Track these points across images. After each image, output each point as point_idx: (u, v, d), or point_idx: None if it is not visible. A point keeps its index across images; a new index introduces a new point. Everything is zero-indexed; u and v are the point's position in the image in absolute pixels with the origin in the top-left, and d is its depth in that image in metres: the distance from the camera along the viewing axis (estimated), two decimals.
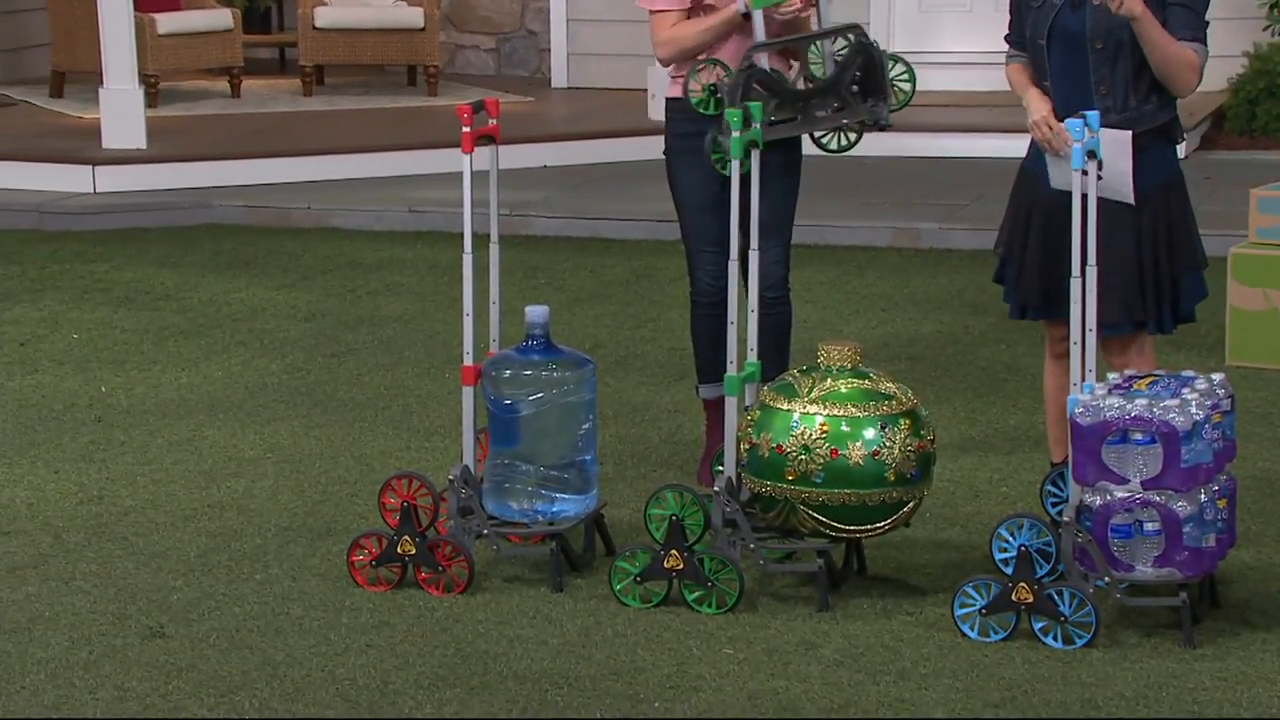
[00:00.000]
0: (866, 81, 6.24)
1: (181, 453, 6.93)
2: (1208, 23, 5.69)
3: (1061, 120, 5.62)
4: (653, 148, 12.38)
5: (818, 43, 6.28)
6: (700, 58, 6.21)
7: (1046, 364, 6.02)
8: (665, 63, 6.43)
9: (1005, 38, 5.94)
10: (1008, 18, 5.90)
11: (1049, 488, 5.86)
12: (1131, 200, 5.61)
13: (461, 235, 5.75)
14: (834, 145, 6.43)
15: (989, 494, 6.41)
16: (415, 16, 14.00)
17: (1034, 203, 5.84)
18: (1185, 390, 5.25)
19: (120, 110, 11.82)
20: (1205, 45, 5.67)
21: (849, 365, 5.51)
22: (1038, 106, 5.73)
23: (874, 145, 12.37)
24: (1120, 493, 5.19)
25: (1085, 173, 5.32)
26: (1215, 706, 4.85)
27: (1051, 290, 5.80)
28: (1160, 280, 5.72)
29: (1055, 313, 5.82)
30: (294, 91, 14.30)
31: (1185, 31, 5.62)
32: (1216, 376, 5.40)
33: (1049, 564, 5.36)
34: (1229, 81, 12.88)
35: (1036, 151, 5.83)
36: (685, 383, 7.78)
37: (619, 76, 14.14)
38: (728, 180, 5.81)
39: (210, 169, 11.72)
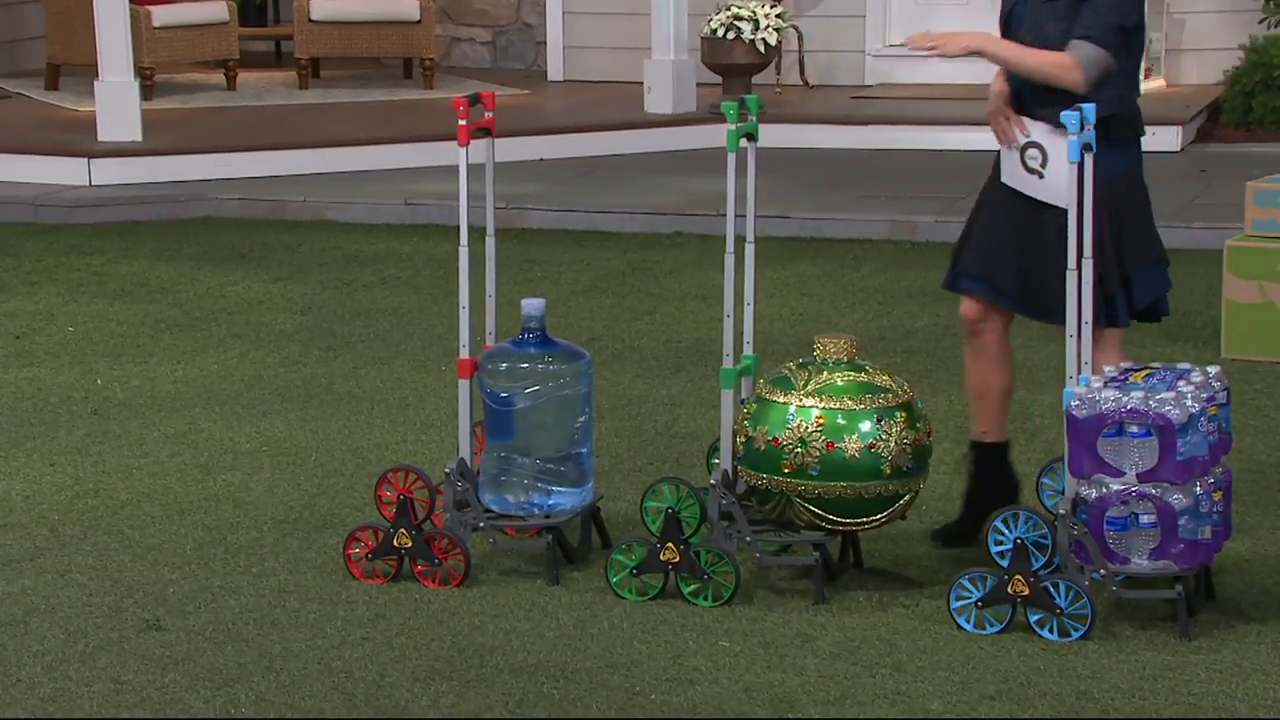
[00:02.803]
0: None
1: (177, 446, 6.93)
2: (1118, 26, 5.61)
3: (1015, 111, 5.71)
4: (649, 141, 12.56)
5: None
6: None
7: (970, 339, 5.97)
8: None
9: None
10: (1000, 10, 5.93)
11: (1045, 480, 5.86)
12: (1064, 202, 5.63)
13: (457, 228, 5.75)
14: None
15: None
16: (411, 9, 13.99)
17: (990, 181, 5.89)
18: (1181, 383, 5.25)
19: (116, 103, 11.82)
20: (1098, 45, 5.58)
21: (845, 358, 5.51)
22: (993, 96, 5.80)
23: (871, 138, 12.48)
24: (1116, 485, 5.20)
25: (1081, 165, 5.32)
26: (1211, 698, 4.86)
27: (992, 268, 5.81)
28: (1108, 275, 5.69)
29: (979, 289, 5.82)
30: (290, 84, 14.29)
31: (1081, 29, 5.61)
32: (1212, 369, 5.40)
33: (1045, 557, 5.36)
34: (1225, 74, 12.89)
35: None
36: (681, 375, 7.78)
37: (615, 70, 14.14)
38: None
39: (206, 162, 11.72)
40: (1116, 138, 5.65)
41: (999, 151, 5.88)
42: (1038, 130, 5.68)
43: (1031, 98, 5.69)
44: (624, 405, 7.36)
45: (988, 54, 5.69)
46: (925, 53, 5.72)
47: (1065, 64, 5.59)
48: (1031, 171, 5.71)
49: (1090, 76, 5.58)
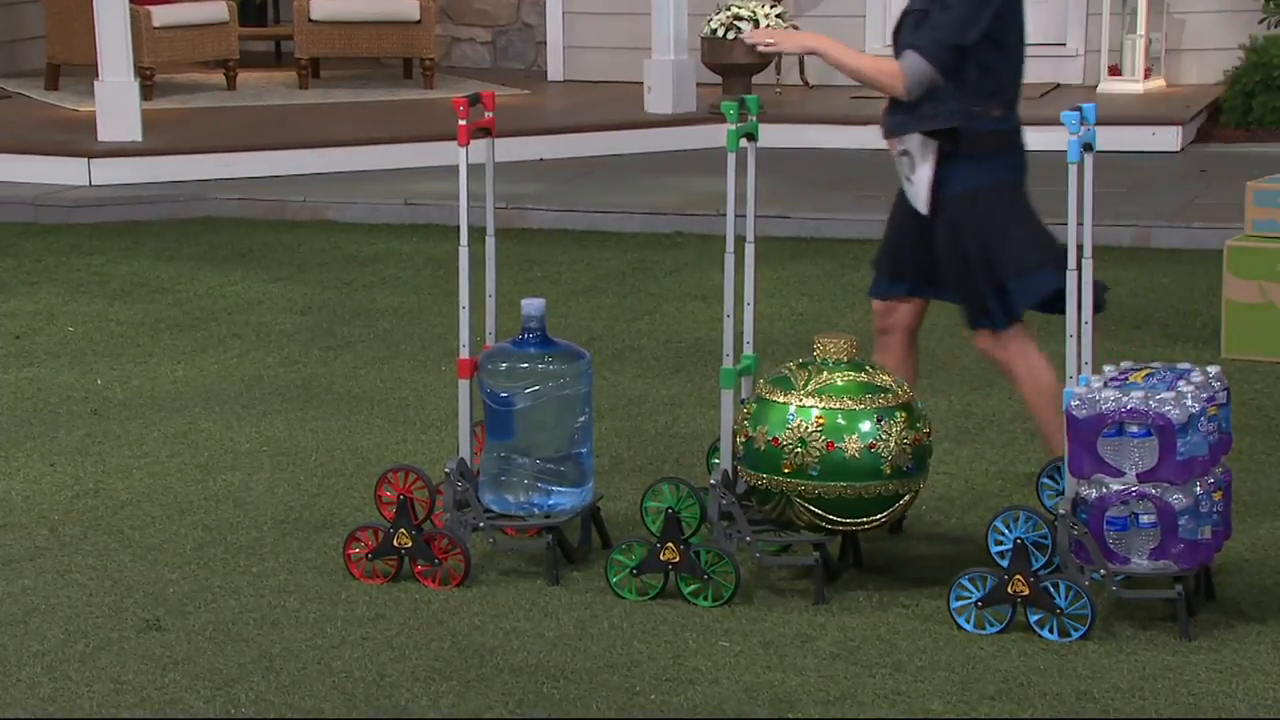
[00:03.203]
0: None
1: (177, 446, 6.93)
2: (952, 44, 5.72)
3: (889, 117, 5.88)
4: (649, 141, 12.56)
5: None
6: None
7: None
8: None
9: None
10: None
11: (1045, 480, 5.87)
12: (923, 209, 5.83)
13: (458, 228, 5.75)
14: None
15: (985, 486, 6.41)
16: (411, 9, 13.99)
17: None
18: (1181, 383, 5.25)
19: (116, 103, 11.82)
20: (925, 57, 5.72)
21: (845, 358, 5.51)
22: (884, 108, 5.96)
23: (871, 138, 12.46)
24: (1116, 485, 5.20)
25: (1081, 164, 5.33)
26: (1211, 698, 4.86)
27: (899, 269, 5.98)
28: (977, 285, 5.83)
29: (898, 291, 6.02)
30: (289, 84, 14.29)
31: (915, 40, 5.78)
32: (1212, 369, 5.40)
33: (1045, 556, 5.36)
34: (1225, 74, 12.89)
35: None
36: (681, 375, 7.78)
37: (615, 69, 14.14)
38: None
39: (206, 162, 11.72)
40: (972, 152, 5.79)
41: None
42: (911, 139, 5.77)
43: (890, 104, 5.84)
44: (624, 405, 7.36)
45: (822, 54, 5.86)
46: (763, 48, 5.87)
47: (889, 71, 5.77)
48: (906, 179, 5.86)
49: (910, 86, 5.73)
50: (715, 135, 11.43)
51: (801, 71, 13.86)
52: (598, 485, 5.89)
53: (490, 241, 5.87)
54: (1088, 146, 5.32)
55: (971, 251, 5.81)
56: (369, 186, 11.35)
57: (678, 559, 5.47)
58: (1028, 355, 5.92)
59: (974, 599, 5.27)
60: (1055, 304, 5.83)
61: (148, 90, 12.95)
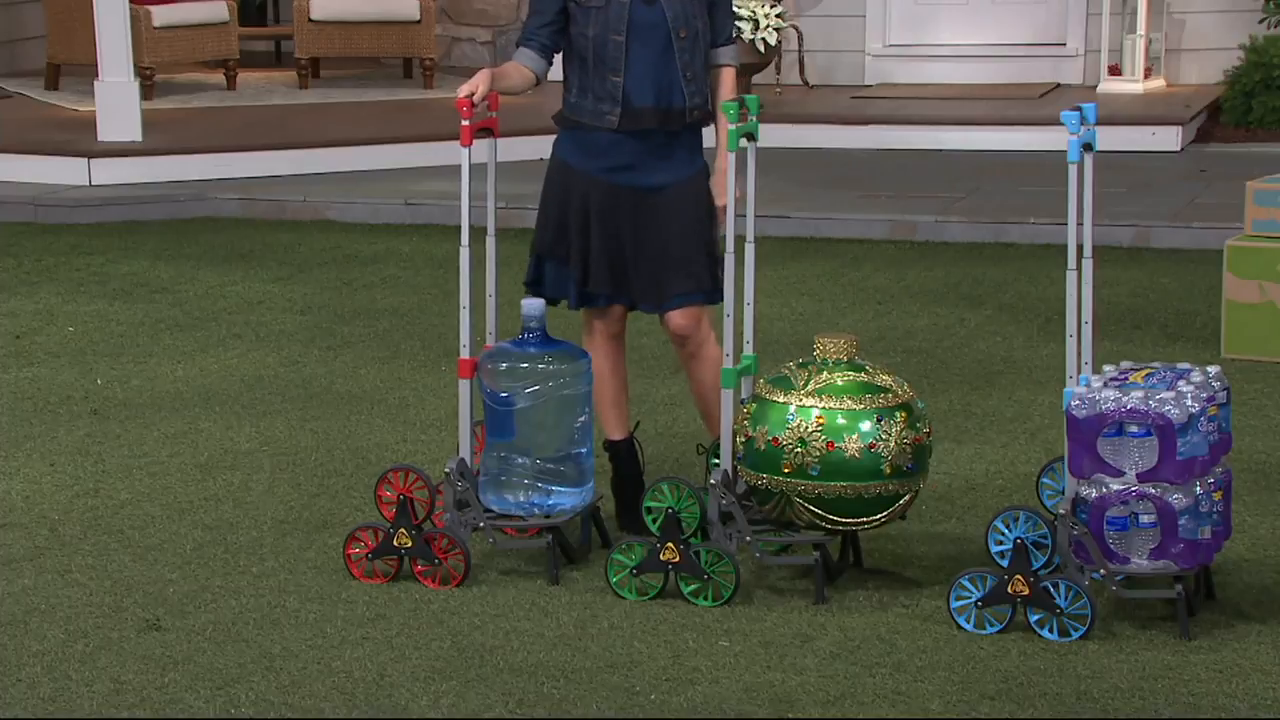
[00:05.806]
0: None
1: (177, 446, 6.93)
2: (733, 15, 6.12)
3: (643, 107, 5.87)
4: None
5: None
6: None
7: (600, 347, 6.01)
8: None
9: (519, 41, 6.15)
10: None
11: (1045, 480, 5.86)
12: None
13: (458, 228, 5.76)
14: None
15: (985, 486, 6.41)
16: (411, 9, 14.00)
17: (585, 195, 6.01)
18: (1181, 383, 5.25)
19: (116, 103, 11.82)
20: (734, 40, 6.07)
21: (845, 358, 5.51)
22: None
23: (871, 138, 12.49)
24: (1116, 485, 5.20)
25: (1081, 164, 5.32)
26: (1210, 698, 4.86)
27: (619, 278, 5.91)
28: (700, 255, 5.86)
29: (622, 299, 5.94)
30: (290, 84, 14.29)
31: (724, 35, 6.04)
32: (1212, 369, 5.41)
33: (1045, 556, 5.37)
34: (1225, 74, 12.90)
35: (573, 145, 6.14)
36: (681, 375, 7.77)
37: None
38: None
39: (206, 161, 11.72)
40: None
41: (562, 160, 6.22)
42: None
43: (672, 91, 5.87)
44: None
45: (725, 175, 5.77)
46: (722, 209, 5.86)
47: (735, 84, 6.03)
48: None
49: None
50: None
51: (801, 71, 13.86)
52: (598, 485, 5.90)
53: (491, 241, 5.87)
54: (1088, 146, 5.31)
55: (702, 220, 5.85)
56: (369, 186, 11.36)
57: (678, 559, 5.47)
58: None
59: (974, 599, 5.27)
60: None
61: (148, 90, 12.95)
